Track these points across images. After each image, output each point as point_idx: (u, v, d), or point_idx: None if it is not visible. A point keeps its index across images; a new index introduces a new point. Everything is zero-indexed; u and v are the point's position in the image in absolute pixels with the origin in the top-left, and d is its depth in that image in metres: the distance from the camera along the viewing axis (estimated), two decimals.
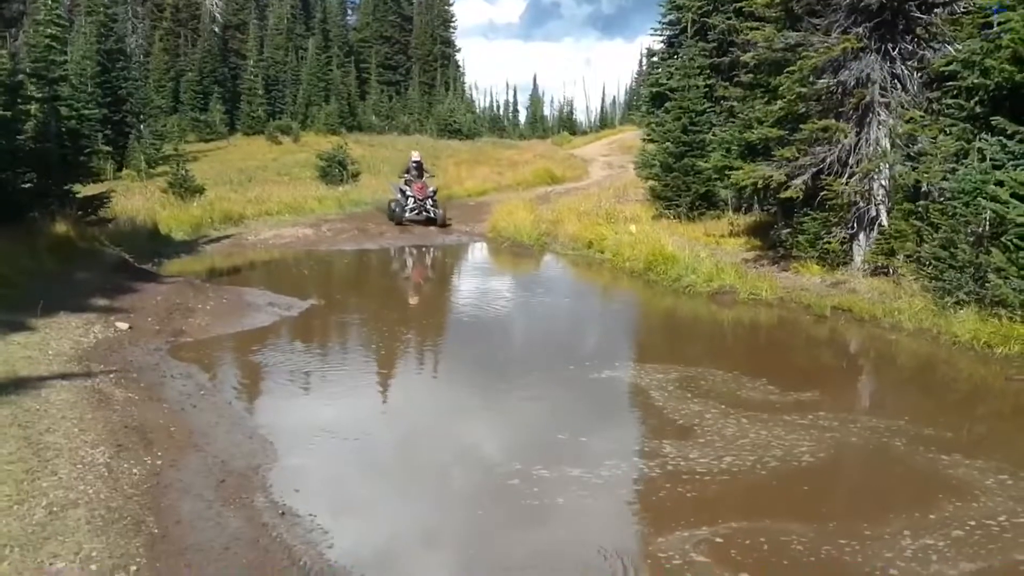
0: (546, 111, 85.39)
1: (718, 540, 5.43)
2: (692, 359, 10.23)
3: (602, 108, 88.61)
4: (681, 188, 21.20)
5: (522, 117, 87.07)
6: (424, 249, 20.92)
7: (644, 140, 29.01)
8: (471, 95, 77.49)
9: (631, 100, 77.54)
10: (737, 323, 13.11)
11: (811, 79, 14.58)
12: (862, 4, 14.04)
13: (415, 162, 24.01)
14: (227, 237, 20.31)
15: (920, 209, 13.89)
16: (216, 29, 58.14)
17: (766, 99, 17.00)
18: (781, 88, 14.86)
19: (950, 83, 13.31)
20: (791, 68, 14.61)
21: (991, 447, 7.43)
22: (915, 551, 5.27)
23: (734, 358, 10.64)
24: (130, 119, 37.85)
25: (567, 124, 79.60)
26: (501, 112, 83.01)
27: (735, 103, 21.74)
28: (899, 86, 14.43)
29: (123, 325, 10.55)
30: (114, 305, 11.57)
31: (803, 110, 14.85)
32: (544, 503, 6.05)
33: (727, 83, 23.32)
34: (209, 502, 5.79)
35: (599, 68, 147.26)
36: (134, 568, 4.69)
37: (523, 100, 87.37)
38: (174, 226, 20.26)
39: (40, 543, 4.79)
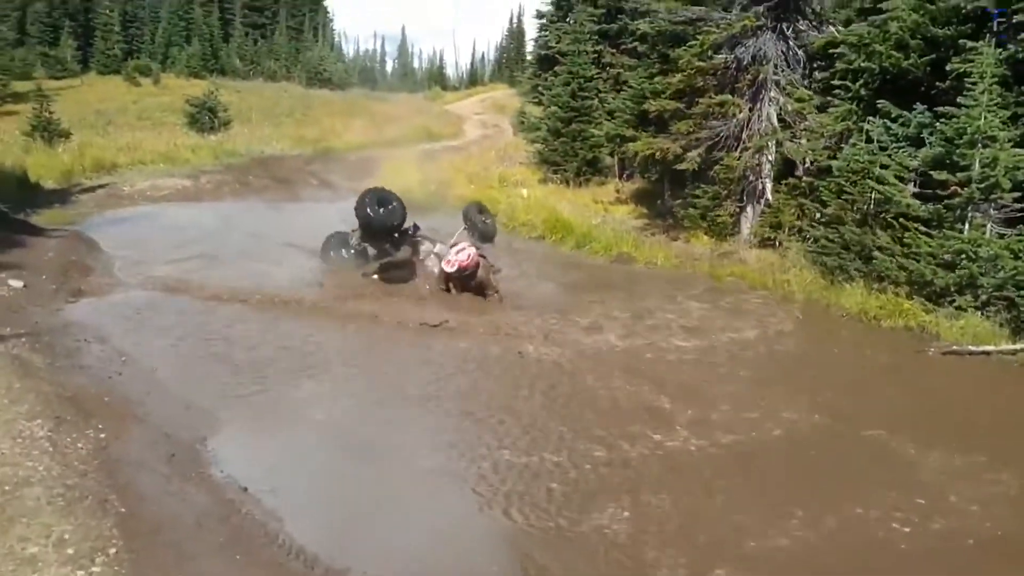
0: (415, 64, 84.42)
1: None
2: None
3: (472, 64, 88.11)
4: (568, 153, 21.46)
5: (389, 68, 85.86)
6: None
7: (530, 102, 29.16)
8: (340, 43, 75.74)
9: (501, 58, 77.44)
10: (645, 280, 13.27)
11: (709, 53, 15.05)
12: None
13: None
14: (102, 187, 19.18)
15: (804, 185, 14.67)
16: None
17: (659, 70, 17.40)
18: (680, 61, 15.25)
19: (838, 65, 14.01)
20: (691, 42, 15.05)
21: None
22: None
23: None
24: None
25: (437, 79, 78.82)
26: (369, 63, 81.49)
27: (622, 70, 22.19)
28: (790, 65, 15.06)
29: (17, 283, 9.92)
30: (1, 261, 10.85)
31: (700, 84, 15.31)
32: None
33: (614, 50, 23.76)
34: (166, 477, 5.62)
35: (468, 23, 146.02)
36: (113, 551, 4.52)
37: (390, 51, 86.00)
38: (43, 173, 19.02)
39: (4, 526, 4.57)
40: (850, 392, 8.42)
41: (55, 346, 8.00)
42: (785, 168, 15.44)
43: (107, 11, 49.35)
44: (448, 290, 11.49)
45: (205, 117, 30.43)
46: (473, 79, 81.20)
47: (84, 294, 10.28)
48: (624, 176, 21.45)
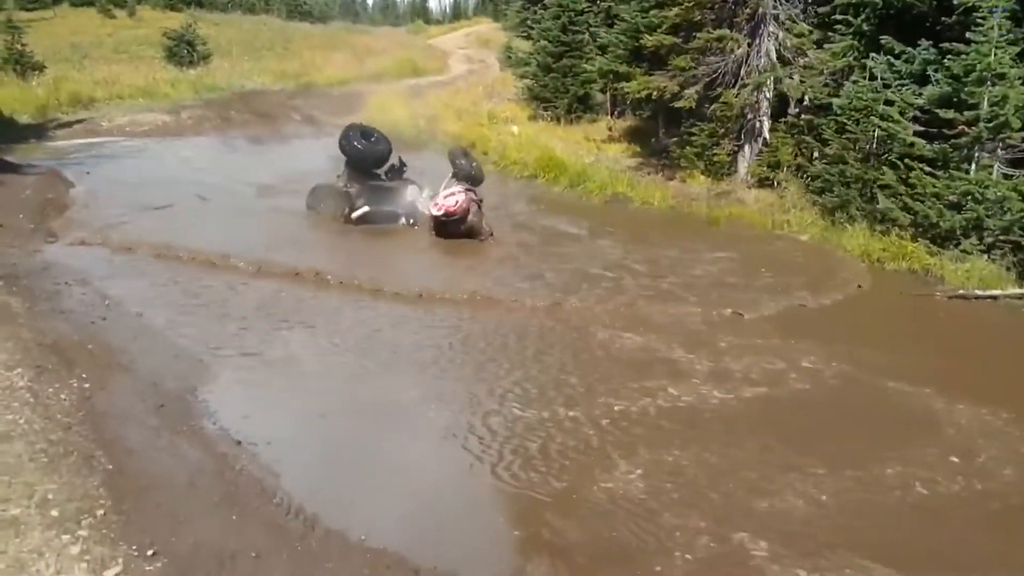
0: None
1: None
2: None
3: None
4: (559, 89, 20.91)
5: (370, 1, 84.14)
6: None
7: (518, 37, 28.47)
8: None
9: None
10: (641, 225, 12.96)
11: None
12: None
13: None
14: (79, 122, 18.56)
15: (802, 123, 14.32)
16: None
17: (654, 3, 16.83)
18: None
19: None
20: None
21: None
22: None
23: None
24: None
25: (420, 12, 77.22)
26: None
27: (613, 4, 21.54)
28: None
29: None
30: None
31: (698, 18, 14.82)
32: None
33: None
34: (155, 430, 5.34)
35: None
36: (100, 512, 4.25)
37: None
38: (17, 108, 18.38)
39: None
40: (866, 340, 8.13)
41: (34, 289, 7.67)
42: (780, 106, 15.08)
43: None
44: (439, 235, 11.17)
45: (184, 51, 29.52)
46: (457, 13, 79.40)
47: (64, 233, 9.87)
48: (616, 113, 20.97)
